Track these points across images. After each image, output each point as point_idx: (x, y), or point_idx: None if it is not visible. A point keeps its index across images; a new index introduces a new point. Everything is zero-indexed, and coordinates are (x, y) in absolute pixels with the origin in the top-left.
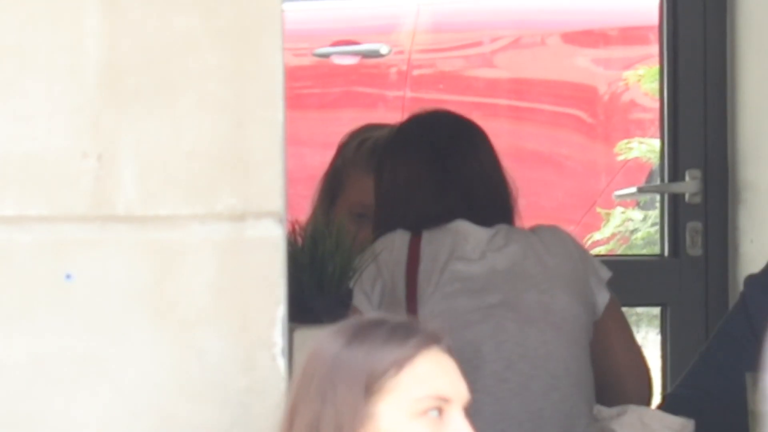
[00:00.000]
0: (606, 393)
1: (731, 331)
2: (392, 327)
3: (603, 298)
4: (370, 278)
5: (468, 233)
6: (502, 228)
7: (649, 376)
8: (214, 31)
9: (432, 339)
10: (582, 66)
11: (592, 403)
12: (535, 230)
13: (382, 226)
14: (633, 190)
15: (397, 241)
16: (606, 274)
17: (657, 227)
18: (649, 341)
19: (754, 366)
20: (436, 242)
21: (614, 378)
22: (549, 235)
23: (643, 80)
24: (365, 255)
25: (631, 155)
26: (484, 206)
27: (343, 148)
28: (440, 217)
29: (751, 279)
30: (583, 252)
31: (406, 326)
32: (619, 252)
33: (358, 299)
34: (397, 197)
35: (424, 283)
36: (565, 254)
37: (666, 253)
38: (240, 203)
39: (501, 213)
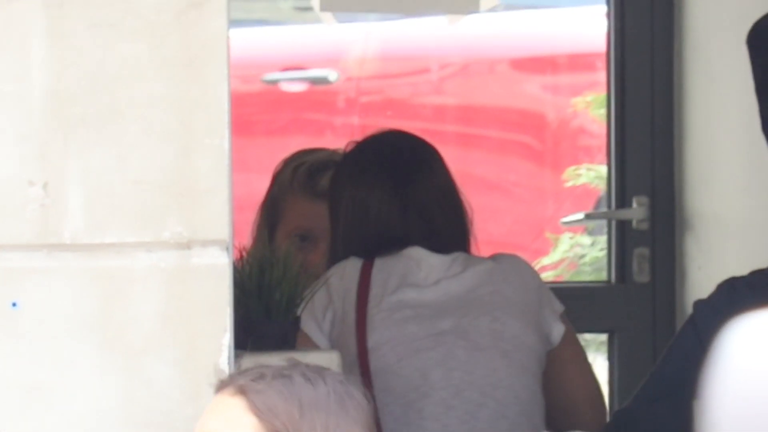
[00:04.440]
0: (560, 421)
1: (682, 345)
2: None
3: (558, 329)
4: (321, 306)
5: (421, 259)
6: (460, 255)
7: (604, 406)
8: (160, 59)
9: (223, 384)
10: (530, 92)
11: (540, 430)
12: (495, 258)
13: (339, 251)
14: (580, 216)
15: (349, 268)
16: (560, 307)
17: (605, 252)
18: (597, 367)
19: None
20: (387, 269)
21: (569, 407)
22: (508, 263)
23: (591, 107)
24: (317, 283)
25: (579, 182)
26: (442, 231)
27: (278, 175)
28: (397, 243)
29: (701, 302)
30: (540, 283)
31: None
32: (567, 278)
33: (310, 327)
34: (354, 221)
35: (374, 309)
36: (521, 283)
37: (613, 279)
38: (186, 231)
39: (459, 237)
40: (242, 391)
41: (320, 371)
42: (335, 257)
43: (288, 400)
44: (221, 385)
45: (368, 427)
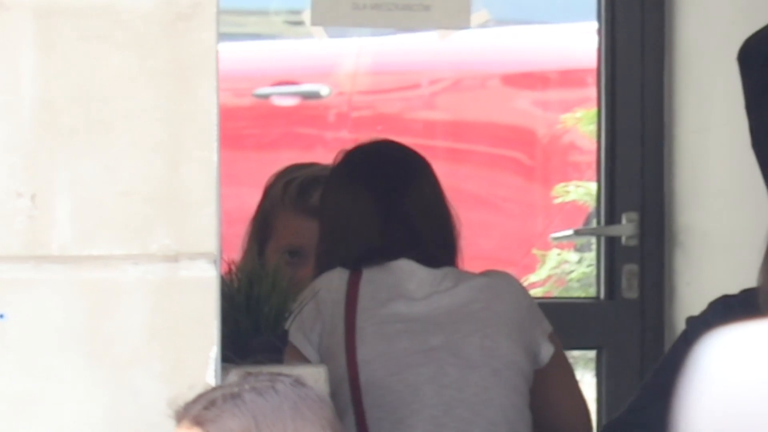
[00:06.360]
0: None
1: (674, 359)
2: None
3: (547, 349)
4: (309, 318)
5: (412, 273)
6: (450, 270)
7: (591, 426)
8: (149, 71)
9: (179, 416)
10: (521, 108)
11: None
12: (487, 274)
13: (325, 260)
14: (570, 232)
15: (336, 280)
16: (549, 327)
17: (592, 268)
18: (585, 384)
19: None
20: (376, 281)
21: (557, 427)
22: (500, 281)
23: (580, 123)
24: (304, 294)
25: (568, 198)
26: (429, 243)
27: (269, 190)
28: (384, 254)
29: (694, 318)
30: (531, 302)
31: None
32: (555, 294)
33: (298, 340)
34: (340, 230)
35: (363, 322)
36: (513, 301)
37: (602, 295)
38: (174, 244)
39: (445, 250)
40: (198, 422)
41: (271, 379)
42: (320, 267)
43: (242, 419)
44: (178, 417)
45: (329, 423)
